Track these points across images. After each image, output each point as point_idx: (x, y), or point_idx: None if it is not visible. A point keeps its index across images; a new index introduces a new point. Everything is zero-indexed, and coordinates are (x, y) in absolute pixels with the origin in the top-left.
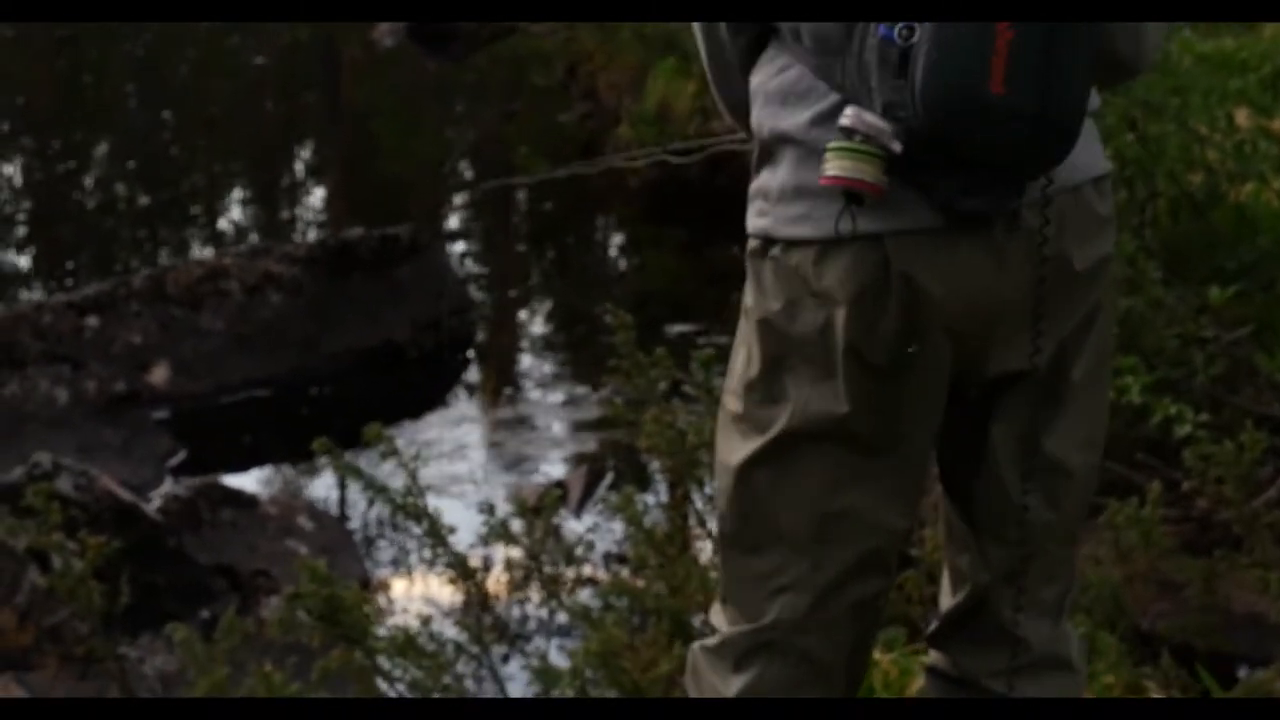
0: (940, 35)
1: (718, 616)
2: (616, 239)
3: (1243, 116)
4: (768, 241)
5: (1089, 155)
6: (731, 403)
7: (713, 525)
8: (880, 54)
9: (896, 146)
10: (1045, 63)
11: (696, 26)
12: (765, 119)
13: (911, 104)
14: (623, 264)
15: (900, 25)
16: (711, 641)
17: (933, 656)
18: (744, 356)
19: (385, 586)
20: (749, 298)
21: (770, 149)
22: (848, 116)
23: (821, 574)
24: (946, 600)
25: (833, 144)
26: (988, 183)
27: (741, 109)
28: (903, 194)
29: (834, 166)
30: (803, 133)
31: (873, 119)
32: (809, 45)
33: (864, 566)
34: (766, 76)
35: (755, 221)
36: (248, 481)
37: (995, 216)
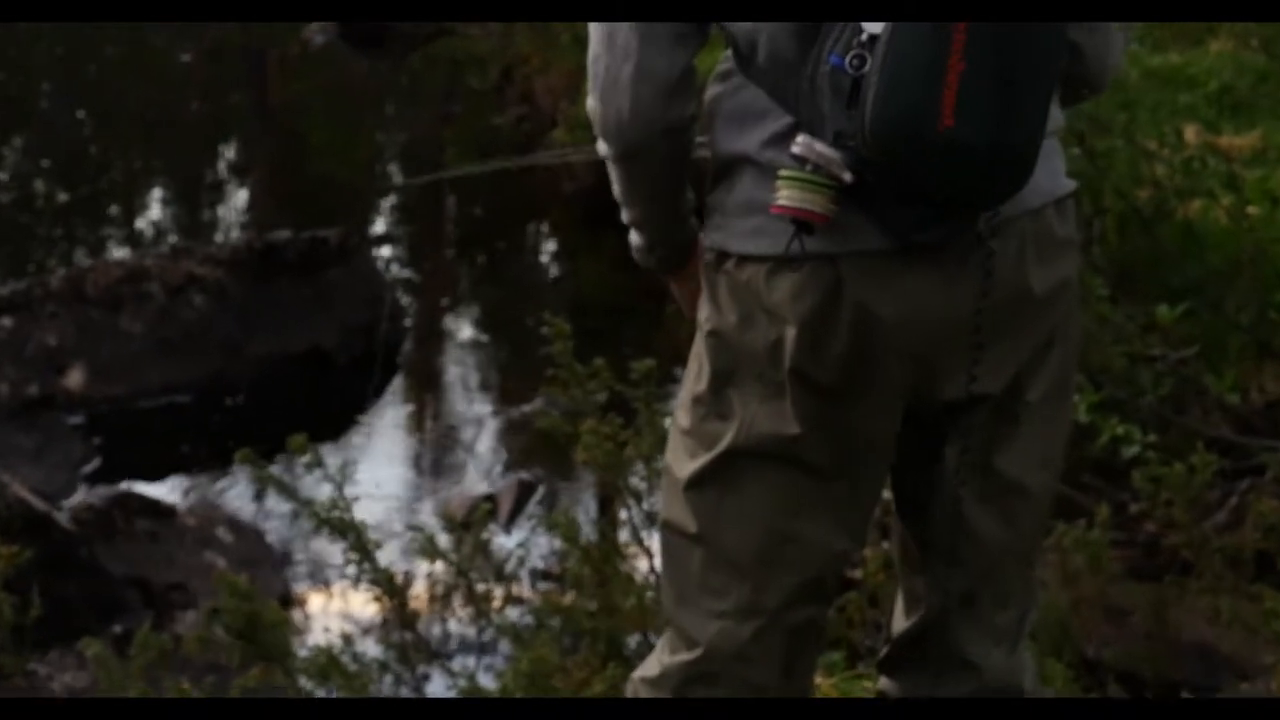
0: (890, 66)
1: (660, 640)
2: (551, 245)
3: (1191, 132)
4: (722, 255)
5: (1049, 176)
6: (681, 416)
7: (651, 542)
8: (832, 82)
9: (847, 177)
10: (998, 94)
11: (632, 41)
12: (723, 139)
13: (862, 135)
14: (558, 271)
15: (852, 53)
16: (651, 672)
17: (882, 683)
18: (695, 369)
19: (307, 602)
20: (702, 309)
21: (727, 167)
22: (799, 145)
23: (763, 598)
24: (899, 623)
25: (784, 172)
26: (940, 214)
27: (662, 135)
28: (856, 216)
29: (784, 196)
30: (758, 153)
31: (823, 149)
32: (763, 65)
33: (807, 592)
34: (724, 94)
35: (710, 235)
36: (165, 491)
37: (948, 245)
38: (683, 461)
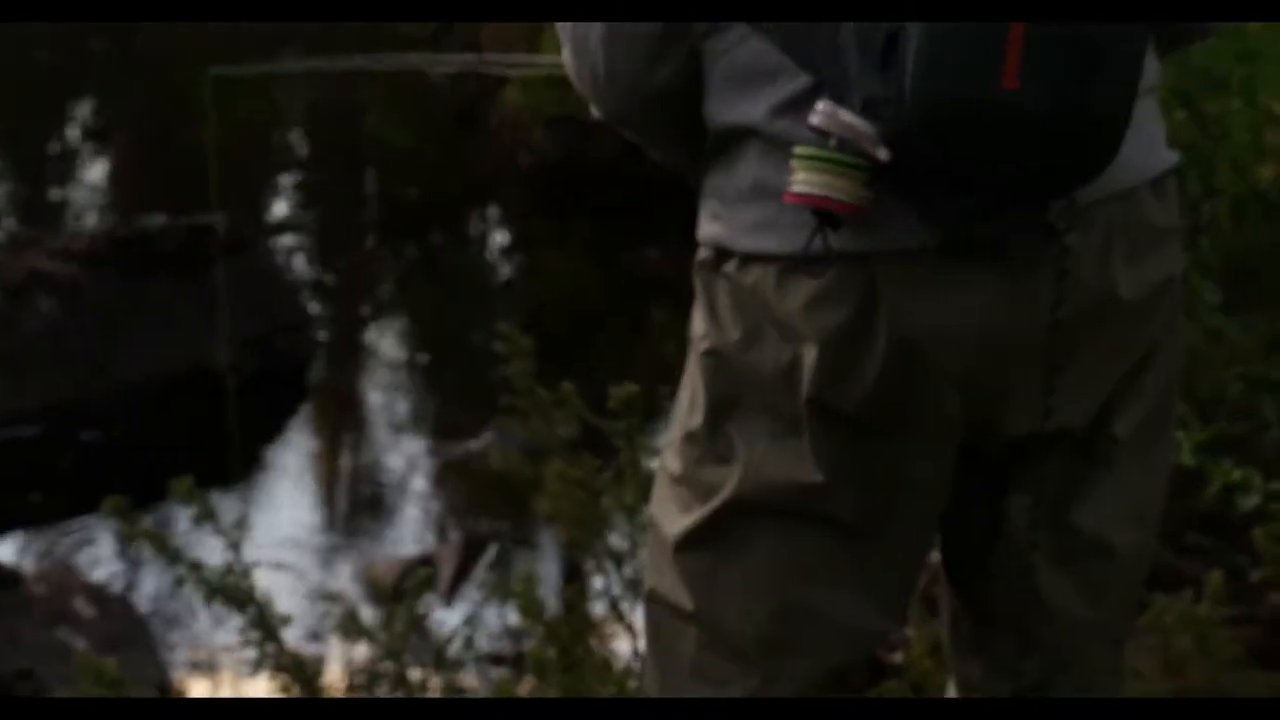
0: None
1: None
2: (503, 236)
3: None
4: (721, 253)
5: (1144, 148)
6: (670, 459)
7: (634, 618)
8: (859, 37)
9: (882, 154)
10: (1075, 47)
11: None
12: (719, 106)
13: (900, 102)
14: (513, 269)
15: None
16: None
17: None
18: (687, 399)
19: (191, 693)
20: (697, 323)
21: (725, 142)
22: (819, 114)
23: (773, 690)
24: None
25: (800, 150)
26: (1000, 203)
27: (647, 102)
28: (893, 205)
29: (802, 181)
30: (766, 123)
31: (850, 119)
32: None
33: (829, 683)
34: (722, 50)
35: (707, 227)
36: (6, 551)
37: (1011, 241)
38: (672, 516)
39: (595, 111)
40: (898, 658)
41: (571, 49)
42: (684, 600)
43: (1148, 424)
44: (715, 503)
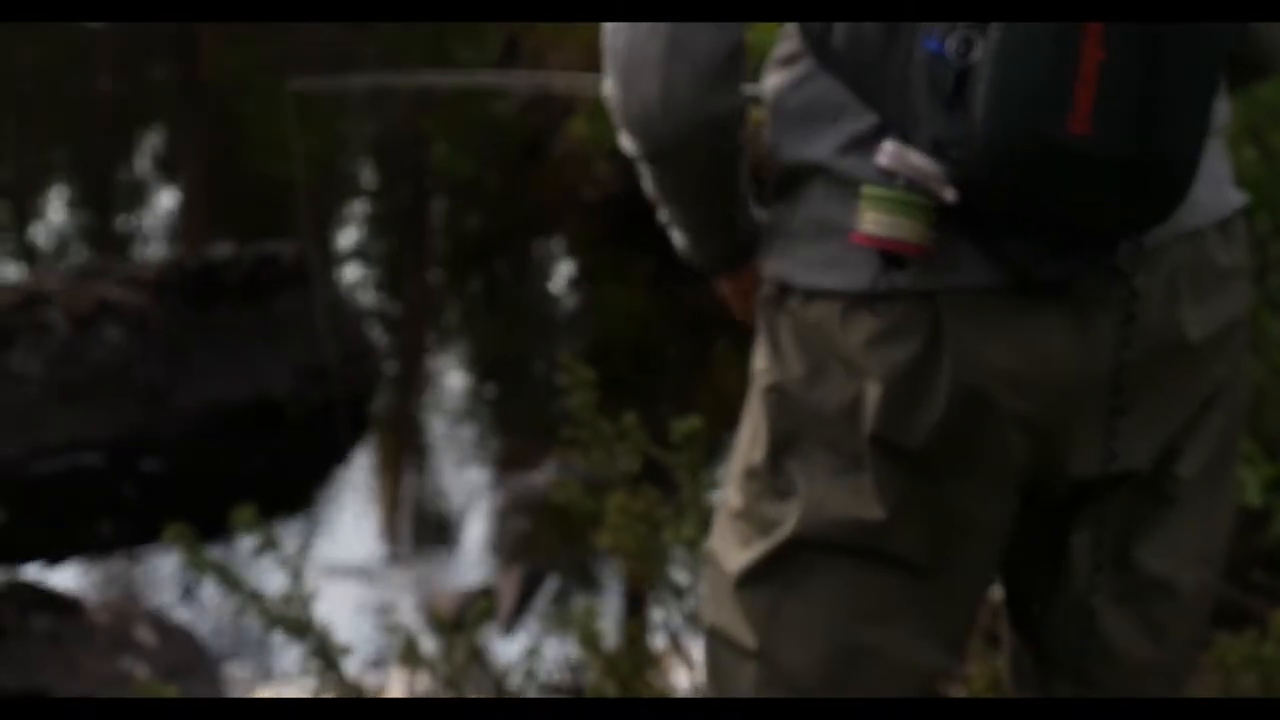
0: (1008, 53)
1: None
2: (567, 268)
3: None
4: (785, 289)
5: (1212, 188)
6: (732, 494)
7: (694, 652)
8: (929, 74)
9: (949, 195)
10: (1148, 89)
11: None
12: (784, 143)
13: (969, 143)
14: (576, 301)
15: (956, 36)
16: None
17: None
18: (749, 434)
19: None
20: (759, 358)
21: (793, 178)
22: (887, 154)
23: None
24: None
25: (869, 190)
26: (1069, 245)
27: (702, 130)
28: (960, 244)
29: (870, 221)
30: (832, 161)
31: (919, 160)
32: (840, 48)
33: None
34: (785, 87)
35: (772, 264)
36: (69, 578)
37: (1078, 282)
38: (733, 551)
39: (633, 145)
40: (960, 692)
41: (620, 77)
42: (745, 637)
43: (1212, 463)
44: (776, 539)
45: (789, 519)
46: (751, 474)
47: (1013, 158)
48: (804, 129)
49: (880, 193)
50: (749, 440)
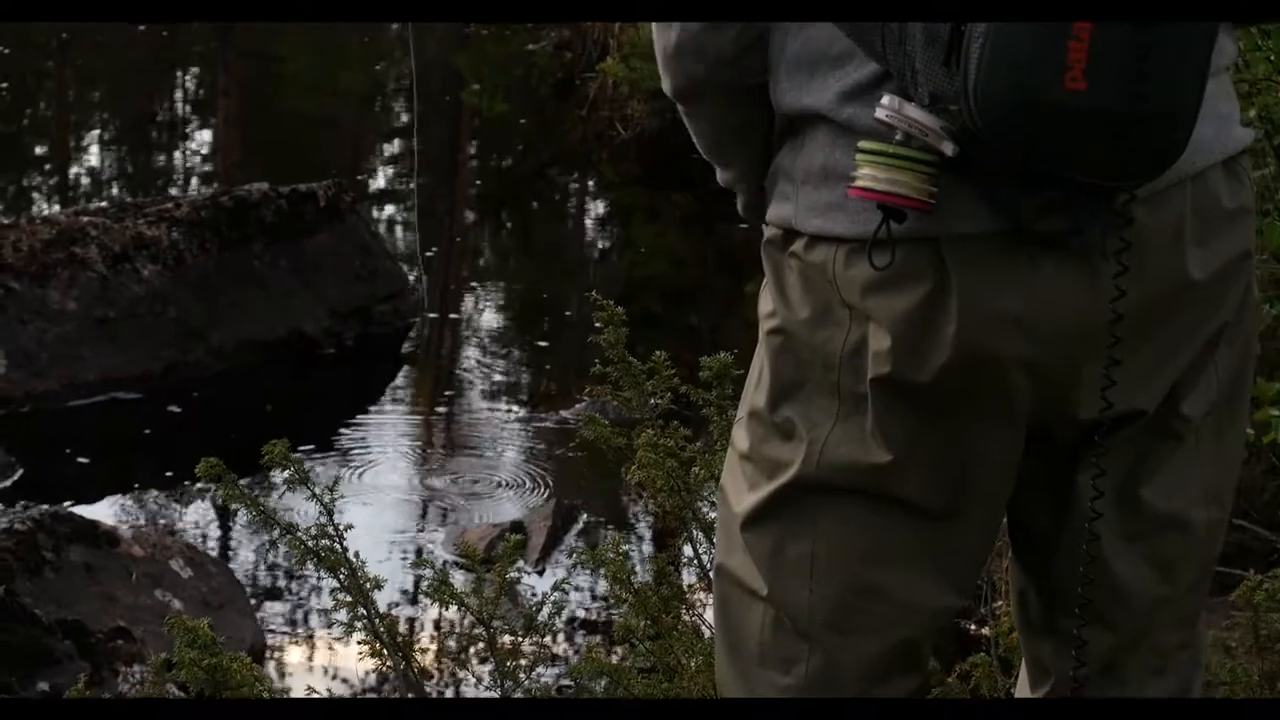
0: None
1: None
2: (600, 207)
3: None
4: (790, 233)
5: (1218, 128)
6: (738, 435)
7: None
8: (926, 30)
9: (948, 149)
10: (1142, 45)
11: None
12: (788, 89)
13: (965, 99)
14: (608, 240)
15: None
16: None
17: None
18: (755, 376)
19: (285, 655)
20: (764, 301)
21: (794, 125)
22: (885, 108)
23: (838, 674)
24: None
25: (865, 145)
26: (1068, 197)
27: (712, 68)
28: (961, 190)
29: (867, 176)
30: (833, 108)
31: (917, 113)
32: None
33: (892, 663)
34: (790, 33)
35: (775, 208)
36: (106, 512)
37: (1082, 230)
38: (740, 492)
39: (667, 87)
40: (986, 631)
41: (656, 27)
42: (754, 579)
43: (1220, 402)
44: (781, 480)
45: (794, 461)
46: (756, 416)
47: (1010, 115)
48: (805, 75)
49: (878, 147)
50: (754, 383)
